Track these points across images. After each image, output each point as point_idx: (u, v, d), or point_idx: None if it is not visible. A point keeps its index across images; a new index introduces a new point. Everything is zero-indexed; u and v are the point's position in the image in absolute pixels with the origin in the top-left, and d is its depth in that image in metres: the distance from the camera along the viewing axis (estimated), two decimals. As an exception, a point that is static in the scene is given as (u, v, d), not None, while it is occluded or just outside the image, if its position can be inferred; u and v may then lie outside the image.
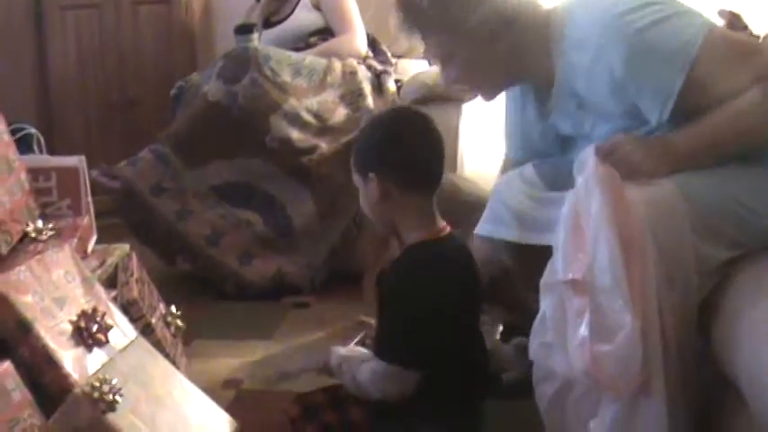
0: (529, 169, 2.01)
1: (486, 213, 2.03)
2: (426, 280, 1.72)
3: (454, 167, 3.02)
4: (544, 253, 1.69)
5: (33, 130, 2.76)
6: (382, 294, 1.78)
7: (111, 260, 2.24)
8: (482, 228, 2.02)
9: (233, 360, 2.44)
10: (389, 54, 3.40)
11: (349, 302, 2.76)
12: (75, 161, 2.33)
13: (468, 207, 2.30)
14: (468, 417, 1.77)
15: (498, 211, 1.98)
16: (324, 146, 3.00)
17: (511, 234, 1.95)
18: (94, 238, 2.31)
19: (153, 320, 2.12)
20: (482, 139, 3.56)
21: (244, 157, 3.00)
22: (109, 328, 1.85)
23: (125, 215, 3.03)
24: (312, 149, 2.99)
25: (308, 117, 3.02)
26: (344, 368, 1.77)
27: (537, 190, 1.96)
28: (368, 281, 2.69)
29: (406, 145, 1.76)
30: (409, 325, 1.70)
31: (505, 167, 2.21)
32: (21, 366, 1.68)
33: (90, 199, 2.34)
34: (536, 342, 1.68)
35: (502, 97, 2.06)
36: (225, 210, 3.01)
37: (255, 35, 3.17)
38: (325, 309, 2.85)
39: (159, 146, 3.04)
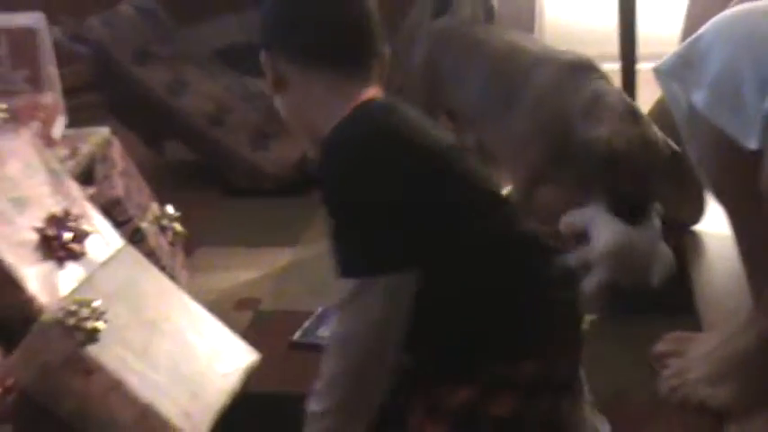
0: None
1: None
2: None
3: (531, 21, 2.95)
4: None
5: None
6: None
7: (85, 148, 2.18)
8: None
9: (248, 273, 2.35)
10: None
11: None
12: (32, 20, 2.25)
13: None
14: None
15: None
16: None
17: None
18: (63, 120, 2.26)
19: (143, 224, 2.09)
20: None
21: (255, 11, 2.76)
22: (86, 235, 1.80)
23: (101, 89, 2.92)
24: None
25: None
26: None
27: None
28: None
29: None
30: None
31: None
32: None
33: (55, 70, 2.28)
34: None
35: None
36: (232, 79, 2.90)
37: None
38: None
39: (143, -3, 3.06)
